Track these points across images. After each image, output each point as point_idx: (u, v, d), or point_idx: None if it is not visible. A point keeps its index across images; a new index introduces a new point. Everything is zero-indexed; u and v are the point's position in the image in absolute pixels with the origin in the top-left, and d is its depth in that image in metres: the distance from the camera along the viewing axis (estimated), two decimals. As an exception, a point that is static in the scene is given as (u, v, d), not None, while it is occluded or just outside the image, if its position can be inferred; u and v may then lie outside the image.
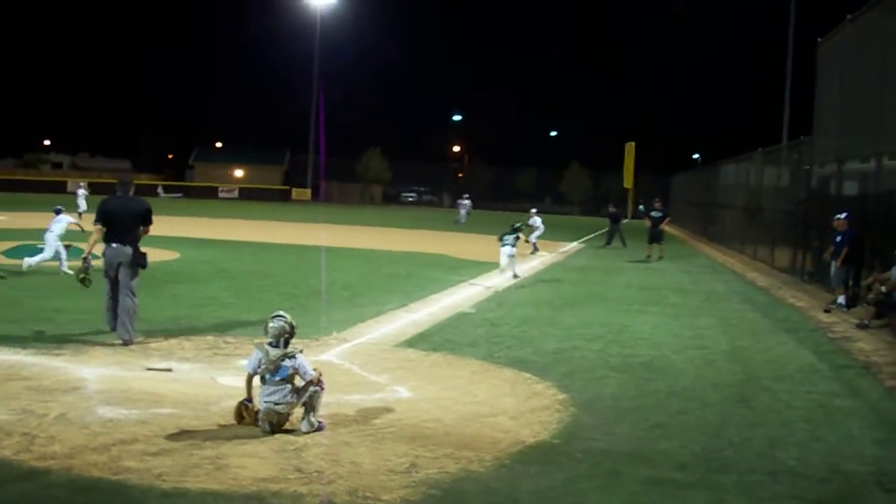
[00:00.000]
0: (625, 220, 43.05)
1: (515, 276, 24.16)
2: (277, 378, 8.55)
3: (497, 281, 23.24)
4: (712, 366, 12.87)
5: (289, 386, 8.57)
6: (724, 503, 7.05)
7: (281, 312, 8.89)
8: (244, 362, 9.15)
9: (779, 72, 45.97)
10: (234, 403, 8.89)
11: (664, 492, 7.25)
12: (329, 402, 9.43)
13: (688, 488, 7.37)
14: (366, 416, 9.23)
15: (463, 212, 63.24)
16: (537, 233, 35.19)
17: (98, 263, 13.38)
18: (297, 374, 8.64)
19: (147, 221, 13.27)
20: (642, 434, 9.03)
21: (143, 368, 10.99)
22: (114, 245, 12.97)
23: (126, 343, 12.54)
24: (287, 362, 8.60)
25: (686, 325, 16.66)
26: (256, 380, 8.69)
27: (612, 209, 44.03)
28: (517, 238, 24.60)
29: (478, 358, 12.65)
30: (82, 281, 13.86)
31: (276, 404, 8.49)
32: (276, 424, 8.50)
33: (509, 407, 9.88)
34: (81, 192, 46.33)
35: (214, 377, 10.66)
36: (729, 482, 7.59)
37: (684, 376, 12.01)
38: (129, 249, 12.96)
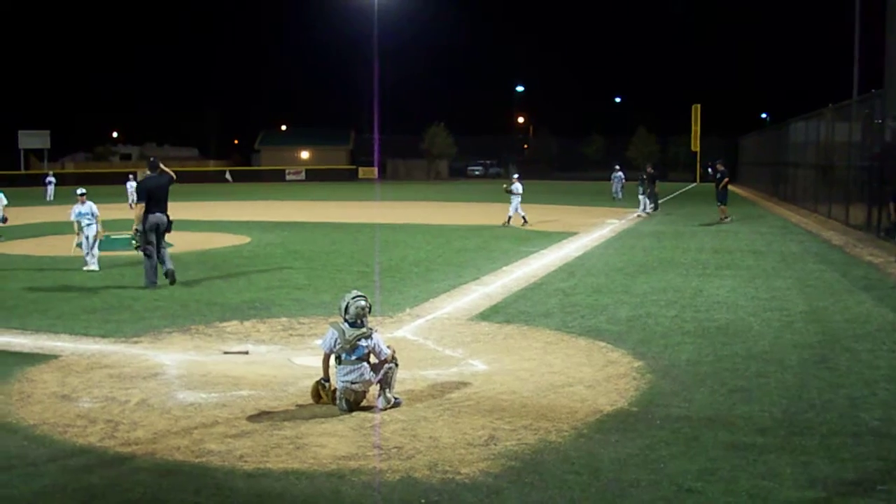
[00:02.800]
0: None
1: (644, 212, 36.93)
2: (353, 357, 8.59)
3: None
4: (790, 327, 12.68)
5: (365, 364, 8.62)
6: (807, 466, 6.95)
7: (359, 292, 8.91)
8: (320, 342, 9.22)
9: (847, 25, 45.01)
10: (310, 383, 8.98)
11: (746, 456, 7.17)
12: (405, 378, 9.50)
13: (769, 452, 7.28)
14: (442, 390, 9.26)
15: (617, 185, 52.79)
16: (517, 200, 32.43)
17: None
18: (372, 353, 8.69)
19: (172, 182, 17.19)
20: (721, 399, 8.94)
21: (221, 352, 11.13)
22: (156, 214, 16.69)
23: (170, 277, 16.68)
24: (363, 342, 8.65)
25: (762, 288, 16.43)
26: (332, 359, 8.75)
27: (648, 170, 41.61)
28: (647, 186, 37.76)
29: (552, 328, 12.62)
30: (137, 248, 17.03)
31: (352, 383, 8.54)
32: (354, 402, 8.56)
33: (585, 376, 9.85)
34: (131, 184, 46.12)
35: (291, 358, 10.77)
36: (811, 445, 7.48)
37: (762, 339, 11.86)
38: (165, 217, 16.82)
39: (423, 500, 6.31)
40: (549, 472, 6.82)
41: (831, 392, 9.18)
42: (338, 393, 8.61)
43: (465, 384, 9.51)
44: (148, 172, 17.29)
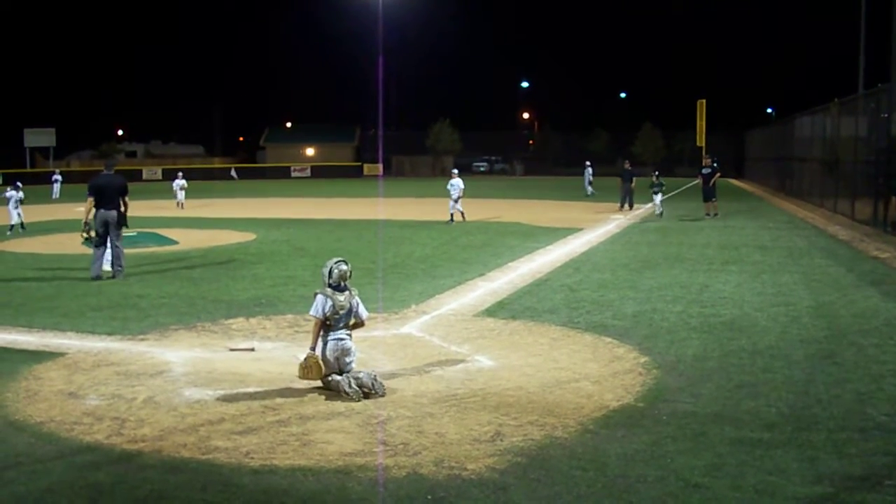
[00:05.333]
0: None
1: (658, 211, 33.99)
2: (341, 324, 9.21)
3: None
4: (797, 322, 12.67)
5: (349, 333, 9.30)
6: (814, 461, 6.94)
7: (340, 258, 9.47)
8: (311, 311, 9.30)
9: (853, 19, 44.90)
10: (317, 382, 9.05)
11: (752, 452, 7.16)
12: (411, 375, 9.54)
13: (776, 447, 7.27)
14: (449, 386, 9.26)
15: (586, 180, 53.18)
16: (456, 195, 32.03)
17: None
18: (354, 314, 9.30)
19: (124, 193, 17.83)
20: (728, 394, 8.93)
21: (227, 349, 11.14)
22: (102, 210, 17.56)
23: (118, 275, 17.38)
24: (353, 301, 9.26)
25: (768, 283, 16.41)
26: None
27: (626, 166, 40.25)
28: (661, 187, 34.91)
29: (558, 324, 12.62)
30: (87, 240, 18.53)
31: (343, 341, 9.16)
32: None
33: (591, 372, 9.84)
34: (179, 182, 44.20)
35: (297, 355, 10.72)
36: (818, 440, 7.47)
37: (768, 334, 11.84)
38: (114, 213, 17.60)
39: (429, 497, 6.31)
40: (555, 468, 6.82)
41: (838, 387, 9.17)
42: (343, 380, 8.87)
43: (470, 380, 9.51)
44: (104, 171, 18.43)
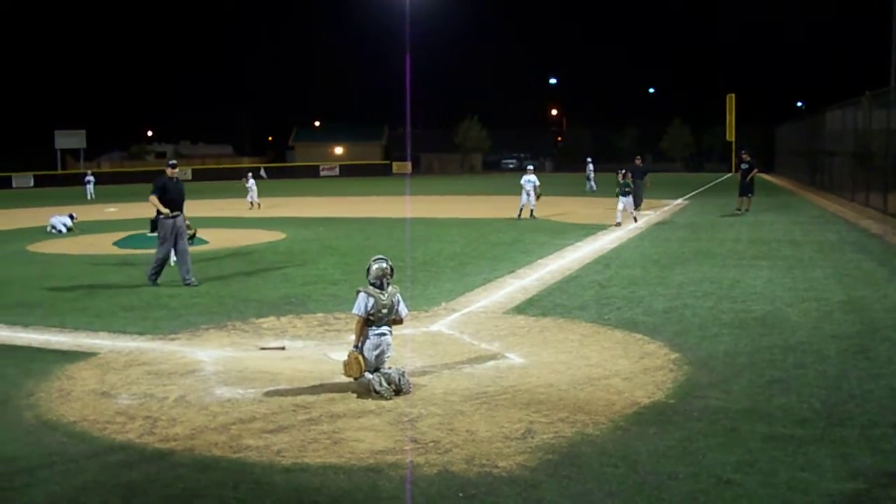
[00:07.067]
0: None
1: (627, 222, 28.70)
2: (385, 320, 9.15)
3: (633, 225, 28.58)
4: (829, 318, 12.57)
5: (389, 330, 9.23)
6: (847, 458, 6.89)
7: (381, 256, 9.43)
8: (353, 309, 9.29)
9: (884, 10, 44.44)
10: (347, 379, 9.06)
11: (784, 448, 7.11)
12: (442, 372, 9.54)
13: (809, 444, 7.22)
14: (479, 384, 9.25)
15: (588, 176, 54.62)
16: (531, 194, 32.11)
17: None
18: (394, 310, 9.23)
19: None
20: (759, 390, 8.88)
21: (257, 348, 11.18)
22: None
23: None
24: (395, 298, 9.22)
25: (799, 278, 16.29)
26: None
27: (637, 162, 35.75)
28: (627, 189, 29.26)
29: (588, 321, 12.58)
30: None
31: (388, 342, 9.12)
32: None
33: (622, 368, 9.81)
34: (251, 182, 42.90)
35: (327, 353, 10.79)
36: (851, 436, 7.41)
37: (800, 329, 11.76)
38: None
39: (460, 494, 6.31)
40: (586, 465, 6.80)
41: (871, 382, 9.09)
42: (375, 378, 8.89)
43: (501, 378, 9.50)
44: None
